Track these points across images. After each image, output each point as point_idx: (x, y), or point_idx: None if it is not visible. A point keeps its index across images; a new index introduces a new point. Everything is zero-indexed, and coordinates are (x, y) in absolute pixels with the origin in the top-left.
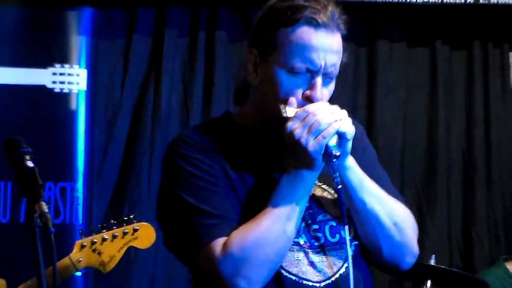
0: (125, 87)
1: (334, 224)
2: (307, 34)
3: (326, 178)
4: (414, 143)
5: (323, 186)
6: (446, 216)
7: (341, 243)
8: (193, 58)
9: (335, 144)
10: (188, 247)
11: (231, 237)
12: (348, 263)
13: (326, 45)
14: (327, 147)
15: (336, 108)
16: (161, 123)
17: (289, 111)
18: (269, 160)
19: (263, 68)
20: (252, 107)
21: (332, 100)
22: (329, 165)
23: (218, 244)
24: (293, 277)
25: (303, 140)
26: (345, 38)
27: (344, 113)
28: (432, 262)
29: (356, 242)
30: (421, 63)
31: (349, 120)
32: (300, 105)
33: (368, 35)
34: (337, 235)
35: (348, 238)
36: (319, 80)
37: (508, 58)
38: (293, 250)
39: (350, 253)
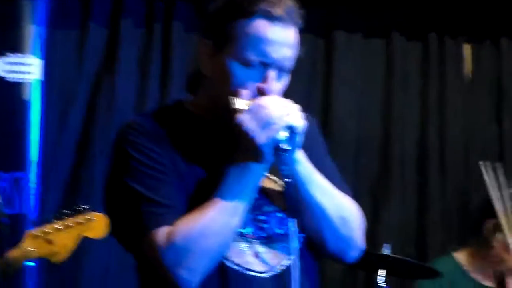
0: (80, 77)
1: (281, 215)
2: (262, 27)
3: (276, 170)
4: (369, 134)
5: (273, 178)
6: (400, 207)
7: (288, 234)
8: (149, 49)
9: (285, 138)
10: (133, 235)
11: (175, 226)
12: (294, 256)
13: (281, 38)
14: (276, 141)
15: (287, 102)
16: (116, 113)
17: (240, 103)
18: (219, 151)
19: (216, 59)
20: (205, 97)
21: (288, 91)
22: (278, 158)
23: (163, 233)
24: (237, 268)
25: (252, 133)
26: (302, 29)
27: (295, 107)
28: (386, 251)
29: (303, 235)
30: (377, 54)
31: (300, 114)
32: (252, 98)
33: (325, 25)
34: (284, 227)
35: (294, 230)
36: (272, 73)
37: (463, 50)
38: (238, 241)
39: (296, 245)
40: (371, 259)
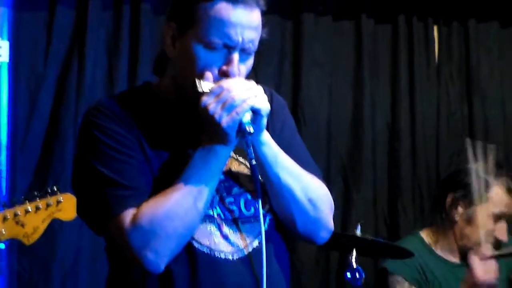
0: (49, 59)
1: (249, 197)
2: (225, 9)
3: (243, 151)
4: (340, 116)
5: (240, 160)
6: (372, 188)
7: (256, 216)
8: (118, 31)
9: (249, 120)
10: (100, 218)
11: (141, 209)
12: (262, 237)
13: (244, 21)
14: (241, 123)
15: (252, 84)
16: (86, 96)
17: (204, 85)
18: (185, 133)
19: (180, 42)
20: (171, 79)
21: (258, 74)
22: (243, 141)
23: (128, 215)
24: (205, 249)
25: (216, 116)
26: (269, 11)
27: (259, 89)
28: (358, 232)
29: (271, 216)
30: (347, 36)
31: (264, 97)
32: (217, 80)
33: (294, 8)
34: (252, 209)
35: (261, 212)
36: (236, 56)
37: (432, 32)
38: (205, 222)
39: (263, 227)
40: (343, 240)
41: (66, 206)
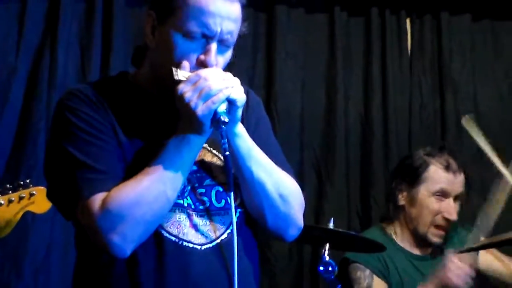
0: (20, 51)
1: (221, 189)
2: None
3: (217, 143)
4: (313, 109)
5: (214, 151)
6: (345, 181)
7: (226, 208)
8: (90, 23)
9: (225, 110)
10: (69, 200)
11: (110, 193)
12: (232, 229)
13: (223, 11)
14: (216, 113)
15: (228, 75)
16: (58, 88)
17: (181, 74)
18: (160, 123)
19: (160, 31)
20: (148, 68)
21: (231, 66)
22: (217, 131)
23: (97, 199)
24: (173, 238)
25: (192, 104)
26: (243, 5)
27: (236, 80)
28: (331, 225)
29: (241, 210)
30: (320, 29)
31: (241, 88)
32: (194, 69)
33: (267, 1)
34: (223, 201)
35: (233, 204)
36: (213, 46)
37: (405, 25)
38: (175, 211)
39: (234, 219)
40: (316, 233)
41: (39, 199)
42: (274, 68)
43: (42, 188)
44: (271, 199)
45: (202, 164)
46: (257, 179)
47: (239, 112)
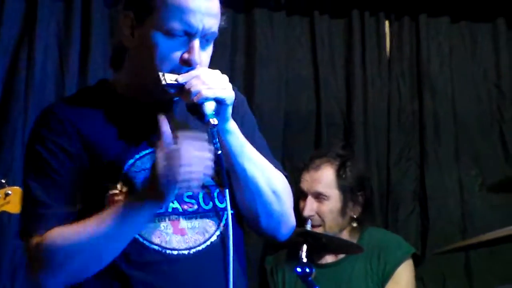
0: None
1: (208, 191)
2: None
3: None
4: (293, 112)
5: None
6: None
7: (214, 211)
8: (69, 23)
9: (213, 112)
10: (19, 229)
11: (52, 236)
12: (221, 232)
13: (203, 8)
14: (205, 115)
15: (216, 72)
16: (36, 88)
17: (168, 78)
18: (141, 131)
19: (139, 32)
20: (129, 73)
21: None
22: (208, 133)
23: (37, 238)
24: (156, 247)
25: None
26: (222, 4)
27: (224, 78)
28: (309, 227)
29: (231, 211)
30: (301, 32)
31: (229, 86)
32: (178, 68)
33: (246, 3)
34: (211, 203)
35: (228, 201)
36: (196, 43)
37: (384, 27)
38: (155, 221)
39: (230, 217)
40: (293, 235)
41: (15, 199)
42: (254, 71)
43: (17, 188)
44: (264, 196)
45: None
46: (250, 175)
47: (229, 110)
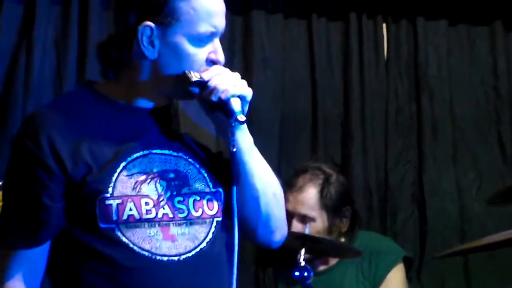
0: None
1: (198, 198)
2: (207, 0)
3: (192, 152)
4: (291, 114)
5: (189, 160)
6: None
7: (204, 218)
8: (66, 26)
9: (240, 109)
10: None
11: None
12: (211, 238)
13: (221, 8)
14: (233, 113)
15: (232, 72)
16: (34, 92)
17: (194, 75)
18: (131, 135)
19: (163, 41)
20: (129, 83)
21: None
22: (228, 129)
23: (4, 255)
24: (146, 253)
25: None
26: None
27: (238, 75)
28: (307, 231)
29: (220, 219)
30: (299, 34)
31: (245, 82)
32: (203, 68)
33: (243, 5)
34: (200, 210)
35: (235, 197)
36: (218, 42)
37: (381, 30)
38: (144, 227)
39: (236, 209)
40: (291, 238)
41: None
42: (251, 74)
43: None
44: (267, 197)
45: (178, 173)
46: (257, 174)
47: (247, 107)
